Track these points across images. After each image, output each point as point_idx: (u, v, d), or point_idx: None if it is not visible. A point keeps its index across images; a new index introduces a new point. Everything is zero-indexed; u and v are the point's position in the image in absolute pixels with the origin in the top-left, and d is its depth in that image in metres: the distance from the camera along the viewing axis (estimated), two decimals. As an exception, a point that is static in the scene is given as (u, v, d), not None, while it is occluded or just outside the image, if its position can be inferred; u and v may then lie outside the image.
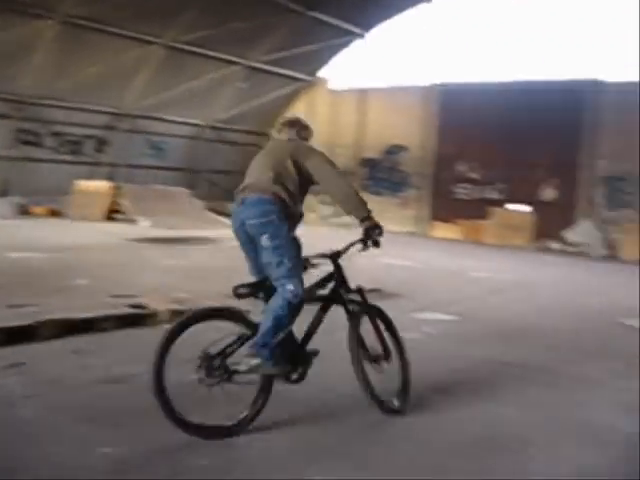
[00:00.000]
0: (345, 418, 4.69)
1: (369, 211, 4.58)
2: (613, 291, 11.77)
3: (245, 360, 4.35)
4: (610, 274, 14.61)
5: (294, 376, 4.52)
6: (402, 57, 22.10)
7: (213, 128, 23.15)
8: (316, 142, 19.96)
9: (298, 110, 24.41)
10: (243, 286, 4.51)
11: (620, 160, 18.47)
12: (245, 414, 4.33)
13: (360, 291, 4.96)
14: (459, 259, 14.54)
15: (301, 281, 4.40)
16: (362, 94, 22.93)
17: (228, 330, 4.38)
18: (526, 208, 19.78)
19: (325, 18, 20.45)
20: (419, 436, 4.47)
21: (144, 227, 17.53)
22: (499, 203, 20.26)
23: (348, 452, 4.15)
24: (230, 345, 4.36)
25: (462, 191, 21.00)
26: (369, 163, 23.00)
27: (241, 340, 4.41)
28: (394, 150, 22.48)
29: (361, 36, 22.57)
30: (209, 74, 20.92)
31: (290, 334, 4.52)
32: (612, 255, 18.03)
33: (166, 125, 21.99)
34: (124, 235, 14.94)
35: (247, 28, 19.29)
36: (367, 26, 22.23)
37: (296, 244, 4.53)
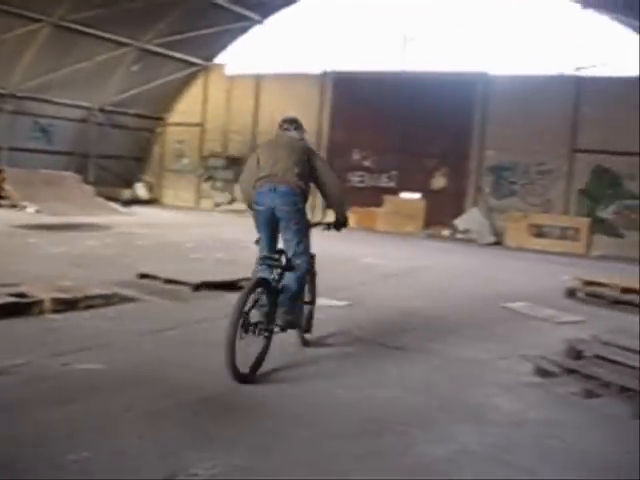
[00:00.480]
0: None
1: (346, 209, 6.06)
2: (497, 276, 12.23)
3: (281, 316, 5.53)
4: (495, 259, 15.15)
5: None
6: (298, 44, 22.10)
7: (103, 111, 22.46)
8: (211, 127, 19.94)
9: (193, 95, 24.06)
10: (269, 258, 5.62)
11: (506, 150, 19.22)
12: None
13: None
14: (353, 246, 14.72)
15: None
16: (257, 80, 22.80)
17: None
18: (417, 196, 20.29)
19: (222, 2, 20.16)
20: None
21: (30, 213, 16.89)
22: (393, 191, 20.66)
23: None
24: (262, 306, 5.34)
25: (357, 179, 21.27)
26: (264, 150, 22.87)
27: (270, 303, 5.42)
28: (289, 137, 22.47)
29: (260, 22, 22.39)
30: (100, 55, 20.25)
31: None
32: (498, 242, 18.76)
33: (54, 107, 21.13)
34: (8, 222, 14.35)
35: (140, 9, 18.77)
36: (266, 12, 22.07)
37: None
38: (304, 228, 5.67)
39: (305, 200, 5.65)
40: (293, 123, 5.98)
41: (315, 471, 3.75)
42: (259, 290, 5.29)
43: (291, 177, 5.53)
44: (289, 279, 5.63)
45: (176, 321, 6.86)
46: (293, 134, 5.90)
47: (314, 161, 5.74)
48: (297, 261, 5.62)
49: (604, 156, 18.04)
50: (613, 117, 17.67)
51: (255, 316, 5.27)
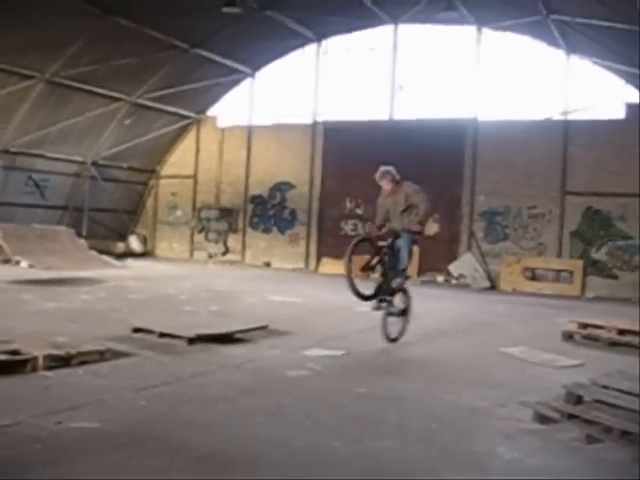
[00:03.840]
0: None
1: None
2: (493, 321, 12.19)
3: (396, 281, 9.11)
4: (490, 304, 15.11)
5: None
6: (289, 95, 22.39)
7: (97, 165, 22.57)
8: (203, 178, 20.07)
9: (186, 147, 24.24)
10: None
11: (496, 195, 19.35)
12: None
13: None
14: (346, 295, 14.65)
15: None
16: (249, 131, 23.02)
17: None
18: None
19: (211, 56, 20.46)
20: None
21: (23, 268, 16.81)
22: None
23: None
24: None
25: (350, 227, 21.33)
26: (256, 200, 23.02)
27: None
28: (281, 187, 22.62)
29: (251, 75, 22.72)
30: (93, 110, 20.43)
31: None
32: (493, 286, 18.76)
33: (47, 162, 21.23)
34: (1, 277, 14.30)
35: (132, 64, 19.04)
36: (256, 65, 22.40)
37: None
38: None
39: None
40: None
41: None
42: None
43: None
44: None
45: (171, 376, 6.78)
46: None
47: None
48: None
49: (594, 198, 18.20)
50: (601, 159, 17.90)
51: None
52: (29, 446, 4.61)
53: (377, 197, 9.55)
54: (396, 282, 9.17)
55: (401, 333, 9.15)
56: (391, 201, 9.24)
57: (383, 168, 9.23)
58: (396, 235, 9.07)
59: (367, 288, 8.97)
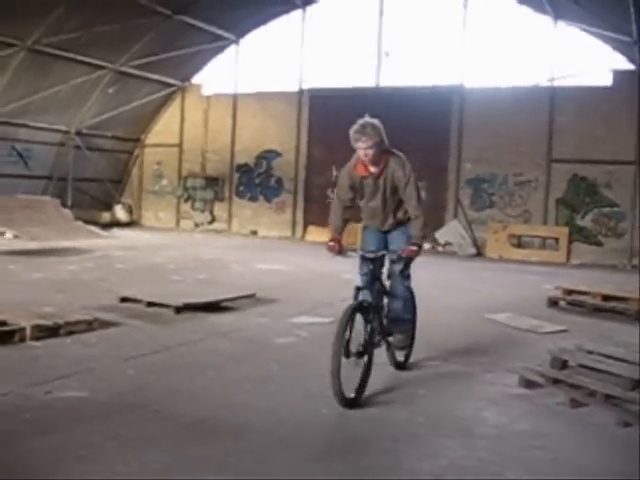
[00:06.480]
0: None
1: None
2: (479, 288, 12.27)
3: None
4: (476, 271, 15.19)
5: None
6: (274, 62, 22.17)
7: (81, 134, 22.33)
8: (189, 147, 19.89)
9: (171, 115, 24.03)
10: None
11: (482, 162, 19.36)
12: None
13: None
14: (333, 262, 14.69)
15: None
16: (234, 99, 22.82)
17: None
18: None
19: (195, 23, 20.19)
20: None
21: (8, 239, 16.74)
22: (372, 206, 20.67)
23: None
24: None
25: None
26: (242, 168, 22.92)
27: None
28: (267, 155, 22.51)
29: (235, 42, 22.46)
30: (76, 79, 20.14)
31: None
32: (479, 253, 18.86)
33: (30, 131, 20.98)
34: (-14, 248, 14.21)
35: (115, 31, 18.70)
36: (240, 32, 22.13)
37: None
38: None
39: None
40: None
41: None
42: None
43: None
44: None
45: (159, 345, 6.80)
46: None
47: None
48: None
49: (580, 165, 18.22)
50: (588, 126, 17.88)
51: None
52: (18, 416, 4.62)
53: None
54: (398, 340, 6.12)
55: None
56: (372, 185, 5.80)
57: (362, 121, 5.65)
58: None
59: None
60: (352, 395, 5.09)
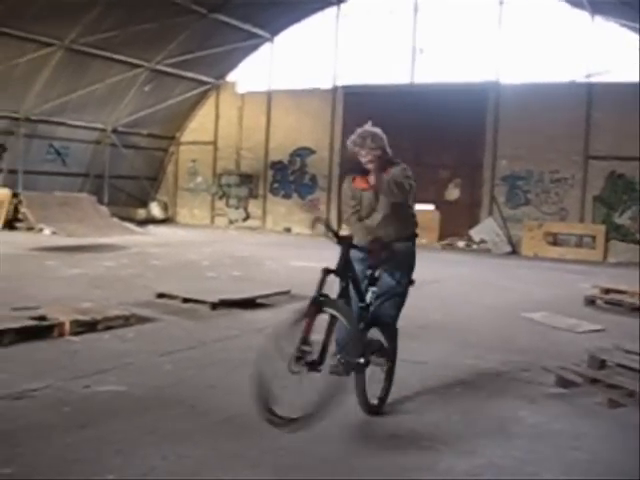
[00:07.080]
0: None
1: None
2: (515, 286, 12.15)
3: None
4: (512, 269, 15.06)
5: None
6: (309, 60, 22.20)
7: (117, 132, 22.62)
8: (223, 144, 19.93)
9: (205, 113, 24.19)
10: None
11: (518, 159, 19.18)
12: None
13: None
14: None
15: None
16: (269, 97, 22.90)
17: None
18: (431, 208, 20.19)
19: (230, 21, 20.32)
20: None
21: (46, 236, 17.00)
22: (406, 203, 20.58)
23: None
24: None
25: (370, 192, 21.21)
26: (277, 165, 22.99)
27: None
28: (301, 152, 22.55)
29: (270, 40, 22.53)
30: (112, 77, 20.42)
31: None
32: (514, 251, 18.69)
33: (68, 129, 21.33)
34: (25, 245, 14.45)
35: (151, 30, 18.94)
36: (275, 30, 22.21)
37: None
38: None
39: None
40: None
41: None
42: None
43: None
44: None
45: (195, 340, 6.86)
46: None
47: None
48: None
49: (618, 162, 17.97)
50: (625, 123, 17.60)
51: None
52: (58, 409, 4.69)
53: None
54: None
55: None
56: (370, 198, 5.27)
57: (361, 130, 5.09)
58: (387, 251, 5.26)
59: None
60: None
